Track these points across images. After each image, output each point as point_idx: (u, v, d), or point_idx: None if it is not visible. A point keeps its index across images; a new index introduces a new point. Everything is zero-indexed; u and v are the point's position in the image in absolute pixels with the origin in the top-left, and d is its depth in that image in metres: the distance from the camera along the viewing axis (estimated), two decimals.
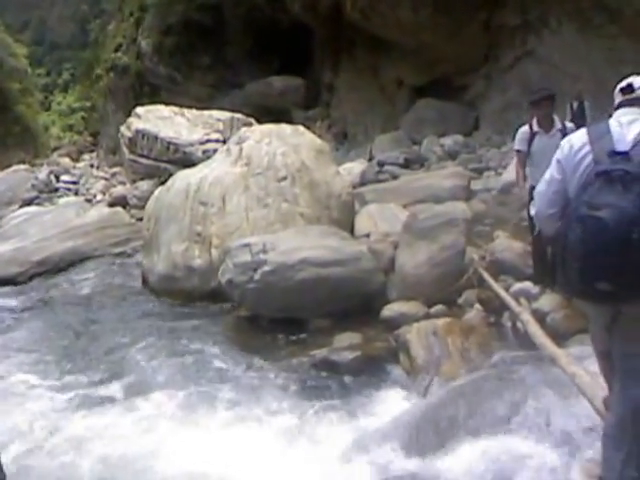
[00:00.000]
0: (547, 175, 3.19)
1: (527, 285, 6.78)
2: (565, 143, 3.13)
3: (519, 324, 6.09)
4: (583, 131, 3.09)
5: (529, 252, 7.15)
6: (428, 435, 4.52)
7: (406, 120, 19.60)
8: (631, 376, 2.96)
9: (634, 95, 3.08)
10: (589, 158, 2.93)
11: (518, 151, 6.73)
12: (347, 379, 6.23)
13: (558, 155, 3.13)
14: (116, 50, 31.20)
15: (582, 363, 4.49)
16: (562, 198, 3.09)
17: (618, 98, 3.18)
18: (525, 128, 6.69)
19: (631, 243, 2.61)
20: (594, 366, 3.87)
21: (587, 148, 2.97)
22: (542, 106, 6.54)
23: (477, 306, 6.97)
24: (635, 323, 2.87)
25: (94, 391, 6.60)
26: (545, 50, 16.38)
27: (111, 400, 6.33)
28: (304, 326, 7.56)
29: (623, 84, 3.18)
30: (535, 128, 6.55)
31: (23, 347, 8.19)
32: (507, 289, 6.80)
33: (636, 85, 3.11)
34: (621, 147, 2.84)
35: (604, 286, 2.71)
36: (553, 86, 14.14)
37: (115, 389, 6.58)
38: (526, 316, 5.92)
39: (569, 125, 6.51)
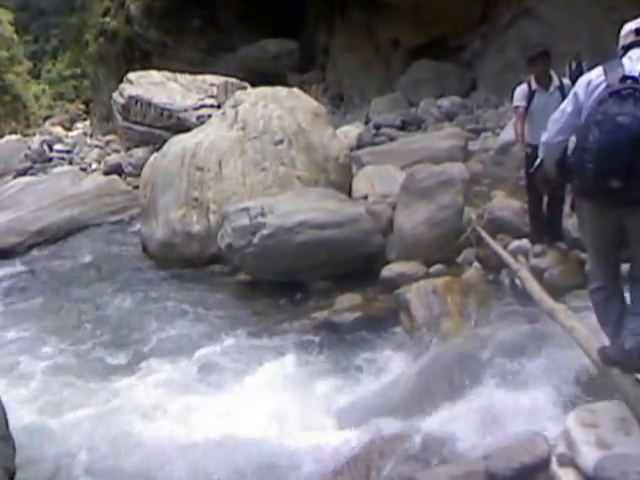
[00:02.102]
0: (562, 106, 3.59)
1: (524, 243, 6.81)
2: (584, 78, 3.51)
3: (517, 281, 6.13)
4: (599, 67, 3.45)
5: (526, 210, 7.16)
6: (427, 392, 4.59)
7: (402, 82, 19.42)
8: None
9: None
10: (604, 85, 3.32)
11: (517, 107, 6.68)
12: (348, 340, 6.30)
13: (576, 88, 3.53)
14: (104, 15, 30.59)
15: (580, 317, 4.55)
16: (570, 129, 3.52)
17: (629, 38, 3.51)
18: (523, 86, 6.65)
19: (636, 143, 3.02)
20: (591, 320, 3.95)
21: (602, 78, 3.37)
22: (539, 62, 6.50)
23: (476, 264, 7.00)
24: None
25: (99, 358, 6.69)
26: (543, 8, 16.16)
27: (117, 366, 6.43)
28: (304, 289, 7.60)
29: (638, 26, 3.48)
30: (534, 86, 6.52)
31: (26, 316, 8.24)
32: (505, 247, 6.83)
33: None
34: (632, 73, 3.25)
35: (616, 183, 3.09)
36: (552, 45, 14.09)
37: (121, 355, 6.68)
38: (524, 273, 5.96)
39: (567, 82, 6.46)
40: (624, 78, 3.24)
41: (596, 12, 14.79)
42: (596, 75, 3.43)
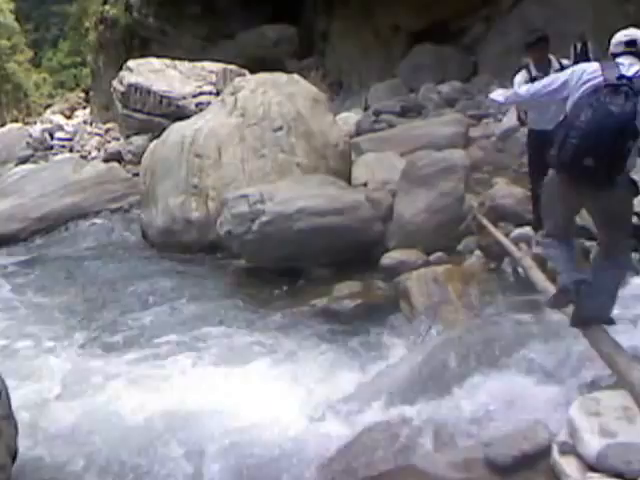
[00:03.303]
0: (549, 80, 4.18)
1: (527, 230, 6.75)
2: (579, 67, 3.98)
3: (520, 269, 6.07)
4: (596, 64, 3.90)
5: (529, 197, 7.11)
6: (427, 379, 4.57)
7: (403, 67, 19.26)
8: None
9: (634, 49, 3.86)
10: (600, 79, 3.75)
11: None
12: (348, 327, 6.27)
13: (569, 74, 3.99)
14: (104, 3, 30.54)
15: None
16: (542, 100, 4.27)
17: (619, 48, 3.92)
18: (523, 72, 6.58)
19: (622, 134, 3.54)
20: None
21: (599, 73, 3.79)
22: (537, 49, 6.43)
23: (477, 252, 6.95)
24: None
25: (99, 340, 6.71)
26: None
27: (116, 349, 6.42)
28: (303, 276, 7.59)
29: (628, 39, 3.90)
30: (534, 72, 6.45)
31: (28, 301, 8.27)
32: (507, 235, 6.77)
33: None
34: (628, 74, 3.70)
35: (590, 162, 3.58)
36: (555, 27, 13.96)
37: (121, 338, 6.68)
38: (527, 261, 5.90)
39: (567, 64, 6.38)
40: (620, 77, 3.70)
41: None
42: (592, 69, 3.85)
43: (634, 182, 3.85)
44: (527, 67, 6.55)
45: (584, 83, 3.81)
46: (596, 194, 3.78)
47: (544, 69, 6.36)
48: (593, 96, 3.68)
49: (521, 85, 6.39)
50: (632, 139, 3.58)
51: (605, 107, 3.57)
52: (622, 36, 3.95)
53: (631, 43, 3.89)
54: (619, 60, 3.85)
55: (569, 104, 3.87)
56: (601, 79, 3.74)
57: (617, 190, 3.73)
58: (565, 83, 3.98)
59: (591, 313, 3.99)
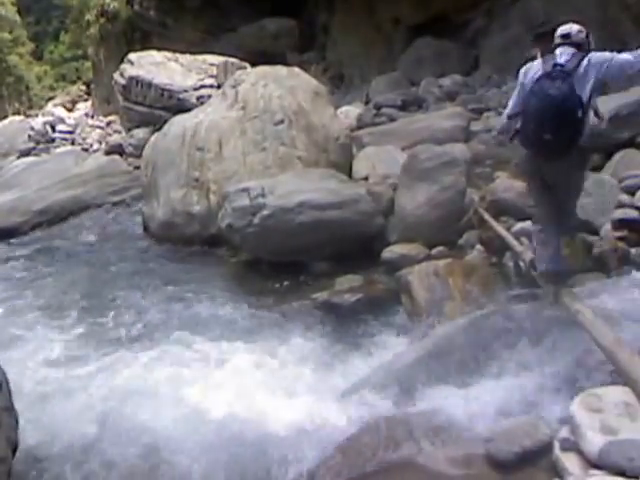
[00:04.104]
0: (515, 92, 4.94)
1: (528, 225, 6.72)
2: (526, 67, 4.84)
3: (521, 264, 6.04)
4: (539, 60, 4.72)
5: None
6: (428, 374, 4.54)
7: (403, 61, 19.19)
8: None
9: (569, 40, 4.64)
10: (540, 71, 4.57)
11: None
12: (349, 321, 6.25)
13: (520, 78, 4.86)
14: None
15: (585, 300, 4.49)
16: (519, 105, 4.80)
17: (558, 40, 4.70)
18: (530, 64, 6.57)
19: (564, 110, 4.32)
20: (596, 303, 3.90)
21: (539, 66, 4.64)
22: (545, 41, 6.38)
23: (478, 247, 6.92)
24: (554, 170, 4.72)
25: (99, 333, 6.74)
26: None
27: (117, 342, 6.45)
28: (305, 269, 7.58)
29: (563, 32, 4.70)
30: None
31: (30, 294, 8.30)
32: (508, 229, 6.74)
33: (572, 33, 4.68)
34: (560, 61, 4.52)
35: (548, 136, 4.38)
36: (557, 21, 13.88)
37: (121, 332, 6.73)
38: (528, 255, 5.87)
39: None
40: (554, 65, 4.51)
41: None
42: (536, 65, 4.72)
43: (586, 153, 4.77)
44: (532, 59, 6.52)
45: (532, 75, 4.67)
46: (555, 163, 4.63)
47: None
48: (535, 85, 4.53)
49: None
50: (577, 110, 4.34)
51: (544, 92, 4.41)
52: (560, 31, 4.75)
53: (565, 36, 4.68)
54: (557, 51, 4.63)
55: (525, 96, 4.70)
56: (541, 71, 4.57)
57: (572, 159, 4.56)
58: (522, 85, 4.81)
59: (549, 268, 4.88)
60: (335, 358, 5.50)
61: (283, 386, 5.03)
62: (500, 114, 12.01)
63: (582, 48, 4.62)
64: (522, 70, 6.19)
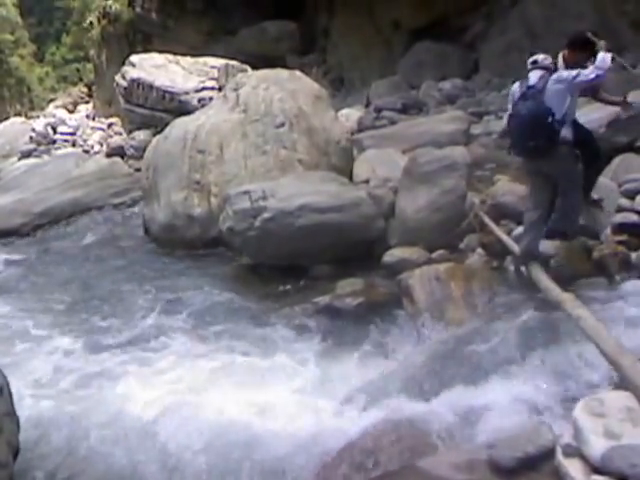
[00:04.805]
0: (508, 105, 5.98)
1: None
2: (513, 87, 5.89)
3: (522, 268, 6.05)
4: (518, 82, 5.81)
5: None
6: (430, 379, 4.55)
7: (404, 64, 19.21)
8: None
9: (538, 65, 5.68)
10: (518, 92, 5.71)
11: None
12: (351, 325, 6.24)
13: (511, 93, 5.90)
14: None
15: (586, 306, 4.49)
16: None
17: (530, 66, 5.73)
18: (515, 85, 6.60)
19: (535, 123, 5.39)
20: (598, 309, 3.90)
21: (518, 88, 5.77)
22: (577, 50, 6.34)
23: (479, 250, 6.92)
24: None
25: (97, 338, 6.72)
26: None
27: (114, 347, 6.45)
28: (305, 273, 7.57)
29: (532, 60, 5.74)
30: (559, 65, 6.41)
31: (30, 297, 8.34)
32: (509, 233, 6.74)
33: (539, 60, 5.70)
34: (530, 83, 5.61)
35: (531, 143, 5.44)
36: (555, 26, 13.90)
37: (119, 336, 6.73)
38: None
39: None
40: (527, 87, 5.61)
41: None
42: (516, 87, 5.79)
43: (568, 152, 5.58)
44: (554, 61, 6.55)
45: (514, 96, 5.78)
46: (541, 162, 5.66)
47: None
48: (515, 108, 5.70)
49: None
50: (546, 119, 5.35)
51: (518, 112, 5.59)
52: (530, 59, 5.78)
53: (534, 62, 5.73)
54: (530, 74, 5.69)
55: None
56: (518, 94, 5.69)
57: (555, 158, 5.51)
58: (510, 100, 5.90)
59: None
60: (336, 362, 5.50)
61: (284, 390, 5.04)
62: (500, 118, 12.09)
63: (549, 70, 5.63)
64: (511, 89, 6.67)
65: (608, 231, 6.23)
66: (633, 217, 6.20)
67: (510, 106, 5.89)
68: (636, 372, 3.29)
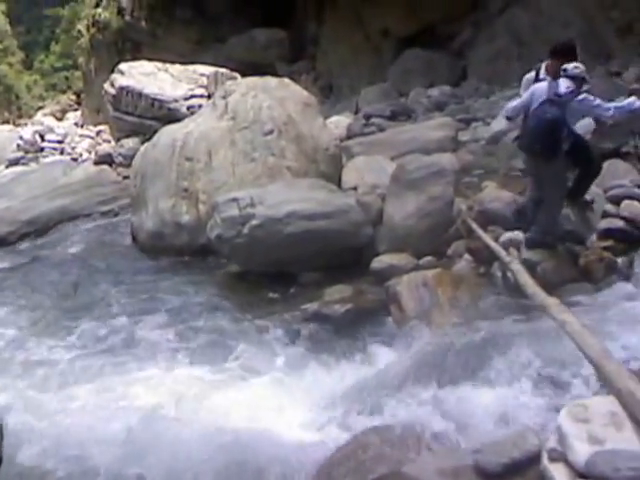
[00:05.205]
0: (526, 95, 6.33)
1: (516, 234, 6.74)
2: (537, 86, 6.22)
3: (509, 274, 6.06)
4: (545, 84, 6.12)
5: (517, 202, 7.16)
6: (416, 385, 4.56)
7: (392, 71, 19.29)
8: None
9: (567, 74, 5.93)
10: (544, 95, 5.96)
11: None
12: (339, 332, 6.25)
13: (533, 89, 6.21)
14: (96, 6, 30.57)
15: (572, 311, 4.50)
16: (522, 110, 6.40)
17: (560, 73, 5.98)
18: (530, 74, 6.65)
19: (552, 130, 5.75)
20: (583, 314, 3.91)
21: (545, 90, 6.02)
22: (560, 57, 6.39)
23: (466, 257, 6.93)
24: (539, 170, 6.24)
25: (83, 348, 6.68)
26: None
27: (101, 357, 6.37)
28: (294, 280, 7.57)
29: (563, 68, 5.97)
30: (542, 75, 6.46)
31: (16, 306, 8.24)
32: (496, 239, 6.76)
33: (569, 69, 5.93)
34: (560, 92, 5.89)
35: (538, 147, 5.90)
36: (542, 33, 13.98)
37: (106, 346, 6.65)
38: (516, 266, 5.89)
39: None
40: (555, 94, 5.88)
41: None
42: (543, 88, 6.06)
43: (563, 162, 5.98)
44: (537, 69, 6.62)
45: (539, 95, 6.01)
46: (542, 164, 6.04)
47: (554, 74, 6.39)
48: (539, 109, 5.93)
49: (523, 90, 6.67)
50: (562, 131, 5.76)
51: (542, 115, 5.84)
52: (562, 66, 6.00)
53: (564, 70, 5.95)
54: (559, 80, 5.95)
55: (531, 111, 6.11)
56: (545, 96, 5.94)
57: (555, 163, 5.89)
58: (532, 95, 6.15)
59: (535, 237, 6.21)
60: (324, 369, 5.50)
61: (270, 398, 5.03)
62: (488, 124, 12.15)
63: (576, 80, 5.91)
64: (527, 79, 6.86)
65: (594, 237, 6.27)
66: (619, 223, 6.24)
67: (523, 92, 6.47)
68: (620, 377, 3.29)
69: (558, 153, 5.82)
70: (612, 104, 6.12)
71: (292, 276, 7.60)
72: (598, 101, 6.03)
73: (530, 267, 5.92)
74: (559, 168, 6.01)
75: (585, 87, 6.09)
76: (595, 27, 14.24)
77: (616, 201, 6.50)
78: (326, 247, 7.58)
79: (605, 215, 6.37)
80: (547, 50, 6.80)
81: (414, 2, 18.50)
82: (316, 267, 7.56)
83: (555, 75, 6.33)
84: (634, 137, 8.47)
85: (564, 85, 5.90)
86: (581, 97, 5.96)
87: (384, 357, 5.53)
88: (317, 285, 7.26)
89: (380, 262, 7.29)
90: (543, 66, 6.53)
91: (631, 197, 6.52)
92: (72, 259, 10.38)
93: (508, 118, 7.05)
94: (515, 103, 6.52)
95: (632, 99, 6.09)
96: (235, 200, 8.02)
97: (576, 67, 5.98)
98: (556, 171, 6.01)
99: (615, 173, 7.20)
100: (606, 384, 3.42)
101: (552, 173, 6.03)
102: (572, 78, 5.92)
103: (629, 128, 8.29)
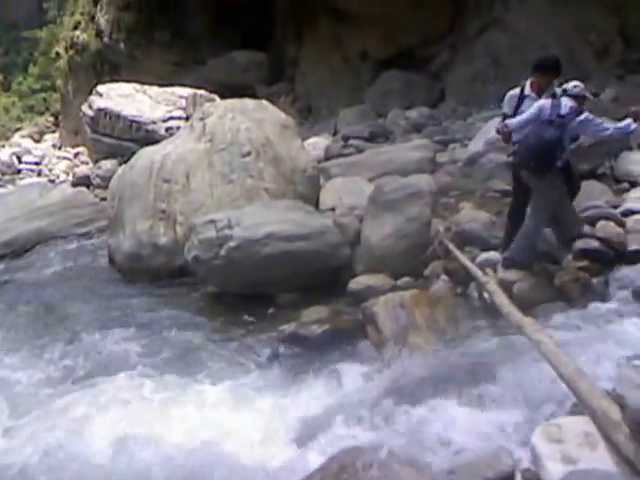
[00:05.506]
0: (534, 111, 6.10)
1: (493, 255, 6.78)
2: (542, 103, 6.10)
3: (485, 294, 6.09)
4: (550, 101, 6.06)
5: (494, 223, 7.21)
6: (390, 406, 4.55)
7: (371, 93, 19.46)
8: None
9: (568, 93, 6.05)
10: (547, 115, 5.99)
11: (505, 114, 6.66)
12: (316, 353, 6.20)
13: (541, 105, 6.07)
14: (75, 28, 30.61)
15: (547, 331, 4.52)
16: (527, 125, 6.15)
17: (560, 92, 6.09)
18: (514, 91, 6.61)
19: (549, 150, 5.89)
20: (558, 333, 3.92)
21: (548, 110, 6.02)
22: (546, 74, 6.43)
23: (443, 277, 6.96)
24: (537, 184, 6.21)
25: (56, 369, 6.57)
26: (511, 18, 16.27)
27: (74, 378, 6.30)
28: (271, 301, 7.54)
29: (564, 87, 6.11)
30: (526, 91, 6.48)
31: None
32: (473, 260, 6.79)
33: (569, 89, 6.08)
34: (562, 112, 5.98)
35: (532, 164, 6.02)
36: (519, 55, 14.17)
37: (78, 367, 6.54)
38: (492, 286, 5.92)
39: (558, 91, 6.39)
40: (557, 115, 5.95)
41: (564, 21, 14.96)
42: (548, 107, 6.02)
43: (554, 180, 6.05)
44: (522, 86, 6.61)
45: (542, 116, 6.00)
46: (534, 180, 6.16)
47: (538, 92, 6.43)
48: (540, 127, 5.98)
49: (506, 107, 6.64)
50: (557, 151, 5.89)
51: (541, 134, 5.92)
52: (564, 85, 6.13)
53: (565, 91, 6.06)
54: (561, 99, 6.02)
55: (531, 128, 6.10)
56: (547, 115, 5.97)
57: (546, 180, 6.02)
58: (537, 114, 6.05)
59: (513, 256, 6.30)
60: (300, 390, 5.45)
61: (244, 420, 4.98)
62: (466, 146, 12.25)
63: (578, 99, 6.04)
64: (511, 95, 6.73)
65: (570, 257, 6.31)
66: (594, 243, 6.29)
67: (507, 109, 6.57)
68: (594, 397, 3.30)
69: (552, 169, 5.91)
70: (611, 125, 6.21)
71: (269, 297, 7.57)
72: (598, 121, 6.17)
73: (506, 287, 5.95)
74: (549, 185, 6.06)
75: (586, 104, 6.21)
76: (572, 49, 14.47)
77: (591, 222, 6.57)
78: (303, 268, 7.57)
79: (581, 235, 6.42)
80: (525, 72, 6.87)
81: (392, 25, 18.69)
82: (293, 288, 7.54)
83: (539, 91, 6.41)
84: (610, 158, 8.60)
85: (567, 105, 5.97)
86: (582, 117, 6.07)
87: (360, 378, 5.49)
88: (294, 306, 7.23)
89: (357, 283, 7.29)
90: (528, 83, 6.57)
91: (607, 218, 6.59)
92: (48, 281, 10.25)
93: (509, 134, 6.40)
94: (520, 119, 6.22)
95: (629, 121, 6.11)
96: (212, 222, 7.99)
97: (576, 86, 6.09)
98: (546, 187, 6.08)
99: (591, 194, 7.28)
100: (580, 403, 3.43)
101: (541, 189, 6.11)
102: (573, 97, 6.02)
103: (606, 149, 8.41)
